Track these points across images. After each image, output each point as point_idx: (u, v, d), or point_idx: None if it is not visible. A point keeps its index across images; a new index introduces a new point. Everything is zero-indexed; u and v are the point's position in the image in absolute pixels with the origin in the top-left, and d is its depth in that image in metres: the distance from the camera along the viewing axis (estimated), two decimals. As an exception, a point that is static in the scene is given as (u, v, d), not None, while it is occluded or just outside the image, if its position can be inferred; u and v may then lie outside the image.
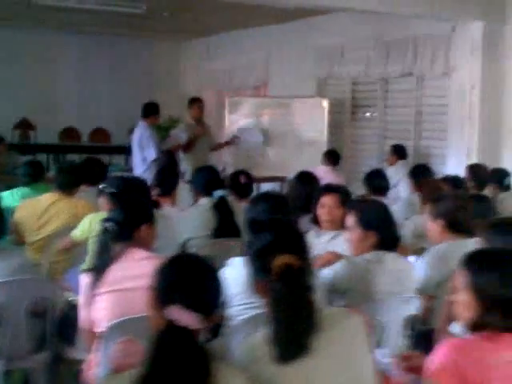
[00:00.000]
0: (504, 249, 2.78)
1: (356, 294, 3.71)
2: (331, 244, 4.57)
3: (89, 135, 13.27)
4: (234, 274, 3.20)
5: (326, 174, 8.08)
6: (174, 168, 6.60)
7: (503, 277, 2.48)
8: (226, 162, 10.27)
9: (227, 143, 10.05)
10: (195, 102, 9.36)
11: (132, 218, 3.57)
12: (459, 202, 4.17)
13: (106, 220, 3.54)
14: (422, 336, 3.50)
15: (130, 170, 9.34)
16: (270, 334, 2.24)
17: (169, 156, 7.48)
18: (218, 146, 9.83)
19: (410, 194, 6.80)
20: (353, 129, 10.22)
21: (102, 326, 3.16)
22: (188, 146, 9.03)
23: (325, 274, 3.84)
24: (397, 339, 3.58)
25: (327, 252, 4.38)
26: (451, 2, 7.71)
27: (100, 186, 4.70)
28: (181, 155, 9.14)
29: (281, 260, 2.32)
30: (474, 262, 2.56)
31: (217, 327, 3.47)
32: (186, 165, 8.71)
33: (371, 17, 9.13)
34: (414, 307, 3.71)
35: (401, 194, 7.84)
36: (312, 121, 10.01)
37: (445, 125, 8.62)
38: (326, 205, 4.59)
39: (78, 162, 5.83)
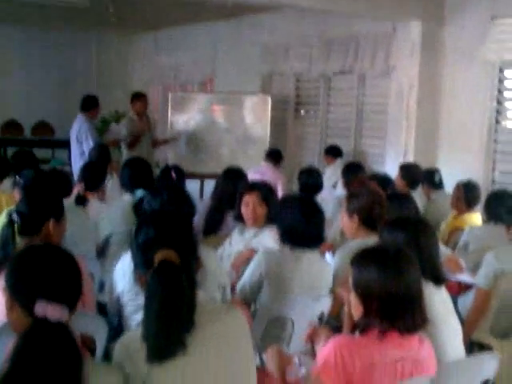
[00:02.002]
0: (384, 245, 2.79)
1: (270, 283, 3.71)
2: (254, 241, 4.59)
3: (32, 129, 13.08)
4: (123, 267, 3.18)
5: (266, 171, 8.10)
6: (102, 163, 6.51)
7: (380, 273, 2.49)
8: (168, 159, 10.22)
9: (165, 141, 10.02)
10: (138, 97, 9.30)
11: (38, 211, 3.53)
12: (374, 198, 4.19)
13: (12, 212, 3.49)
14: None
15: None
16: (143, 331, 2.21)
17: (100, 150, 7.38)
18: (157, 143, 9.79)
19: (342, 192, 6.83)
20: (296, 126, 10.25)
21: (1, 322, 3.09)
22: (133, 142, 8.98)
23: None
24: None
25: (246, 250, 4.41)
26: (390, 1, 7.75)
27: (16, 178, 4.65)
28: (124, 151, 9.08)
29: (160, 255, 2.31)
30: (356, 260, 2.57)
31: (119, 328, 3.44)
32: None
33: (315, 15, 9.16)
34: (325, 305, 3.72)
35: (338, 192, 7.88)
36: (256, 117, 10.02)
37: (384, 124, 8.67)
38: (249, 202, 4.60)
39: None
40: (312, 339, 2.89)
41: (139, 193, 5.02)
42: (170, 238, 2.43)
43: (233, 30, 11.11)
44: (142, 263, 2.43)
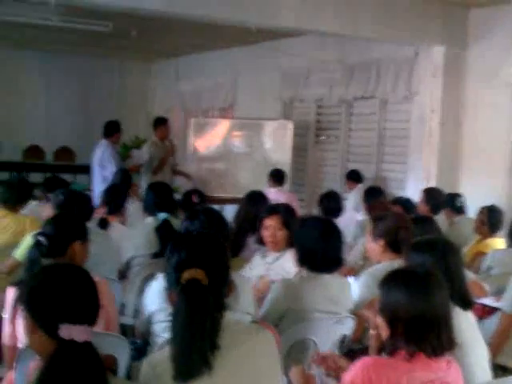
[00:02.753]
0: (412, 268, 2.77)
1: (291, 313, 3.70)
2: (275, 265, 4.58)
3: (53, 154, 13.22)
4: (158, 287, 3.19)
5: (276, 195, 8.10)
6: (124, 187, 6.57)
7: (408, 295, 2.47)
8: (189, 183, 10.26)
9: (181, 174, 10.10)
10: (161, 122, 9.43)
11: (65, 233, 3.55)
12: (400, 221, 4.17)
13: (39, 234, 3.52)
14: (353, 355, 3.49)
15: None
16: (170, 350, 2.22)
17: (122, 174, 7.43)
18: (176, 172, 9.89)
19: (364, 217, 6.82)
20: (317, 151, 10.27)
21: (22, 343, 3.10)
22: (157, 167, 9.09)
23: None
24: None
25: (267, 277, 4.38)
26: (413, 26, 7.78)
27: (48, 195, 4.70)
28: (144, 175, 9.13)
29: (188, 274, 2.32)
30: (384, 282, 2.55)
31: (145, 345, 3.45)
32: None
33: (335, 39, 9.21)
34: (347, 327, 3.71)
35: (360, 217, 7.87)
36: (277, 143, 10.07)
37: (406, 149, 8.68)
38: (269, 226, 4.60)
39: (23, 178, 5.82)
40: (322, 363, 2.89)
41: (162, 216, 5.05)
42: (201, 259, 2.44)
43: (253, 56, 11.19)
44: (174, 282, 2.44)
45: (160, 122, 9.41)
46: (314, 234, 3.81)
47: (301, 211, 8.04)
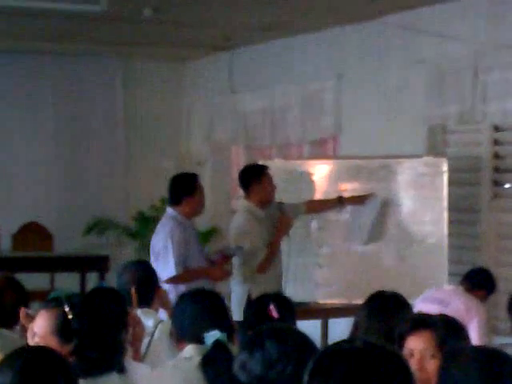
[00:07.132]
0: None
1: None
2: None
3: (12, 238, 13.48)
4: None
5: (451, 298, 8.10)
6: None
7: None
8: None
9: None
10: (260, 173, 9.35)
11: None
12: None
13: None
14: None
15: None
16: None
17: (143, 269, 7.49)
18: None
19: None
20: (496, 210, 10.24)
21: None
22: (269, 257, 9.15)
23: None
24: None
25: None
26: None
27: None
28: (236, 278, 9.14)
29: None
30: None
31: None
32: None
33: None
34: None
35: None
36: (421, 198, 10.11)
37: None
38: (414, 351, 4.65)
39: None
40: None
41: (212, 336, 5.14)
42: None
43: (369, 43, 11.32)
44: None
45: (257, 174, 9.34)
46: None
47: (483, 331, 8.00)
